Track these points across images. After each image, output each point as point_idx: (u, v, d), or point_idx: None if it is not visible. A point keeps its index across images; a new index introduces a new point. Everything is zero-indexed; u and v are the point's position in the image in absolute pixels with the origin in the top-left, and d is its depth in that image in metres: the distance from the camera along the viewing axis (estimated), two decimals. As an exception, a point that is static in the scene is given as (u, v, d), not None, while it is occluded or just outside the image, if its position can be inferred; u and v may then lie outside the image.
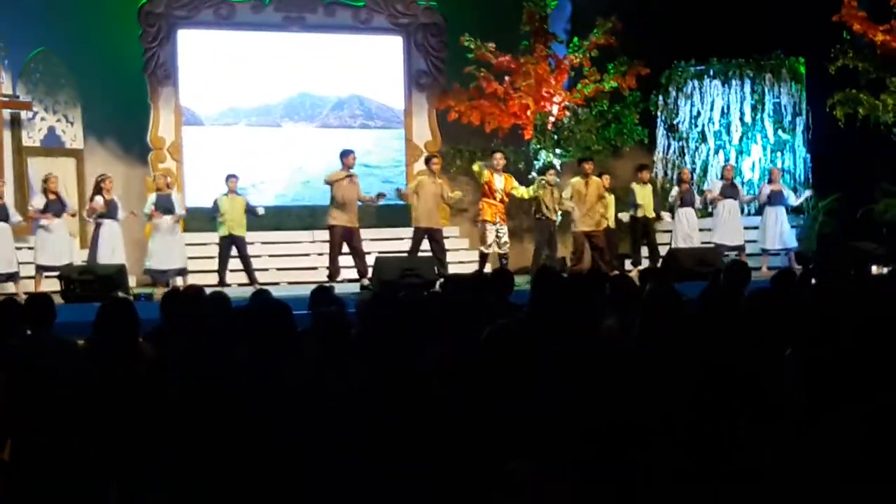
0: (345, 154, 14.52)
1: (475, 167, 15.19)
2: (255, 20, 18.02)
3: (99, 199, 14.16)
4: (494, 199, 14.78)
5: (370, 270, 14.14)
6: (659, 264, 15.08)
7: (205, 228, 15.74)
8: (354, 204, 14.40)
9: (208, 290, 7.25)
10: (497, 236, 14.71)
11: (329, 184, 14.41)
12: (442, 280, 12.94)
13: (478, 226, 15.17)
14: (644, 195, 15.96)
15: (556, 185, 15.18)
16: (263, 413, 4.43)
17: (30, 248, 14.33)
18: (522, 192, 15.06)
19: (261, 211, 15.03)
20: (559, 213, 15.31)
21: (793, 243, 16.36)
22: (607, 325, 6.19)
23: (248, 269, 14.87)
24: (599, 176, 15.76)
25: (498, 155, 15.25)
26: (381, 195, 14.99)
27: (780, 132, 18.20)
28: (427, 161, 15.34)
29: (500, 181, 14.85)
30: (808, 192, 17.23)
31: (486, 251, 14.75)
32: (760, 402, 4.02)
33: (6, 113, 15.93)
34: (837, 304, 5.35)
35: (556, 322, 5.06)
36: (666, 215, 16.13)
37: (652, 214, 15.98)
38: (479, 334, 4.64)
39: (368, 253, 14.92)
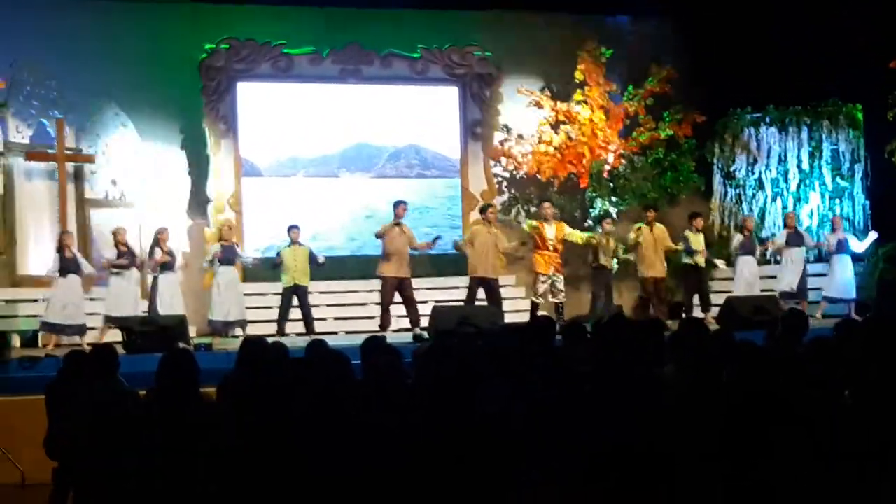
0: (396, 205, 14.44)
1: (526, 227, 15.03)
2: (312, 73, 18.27)
3: (159, 252, 14.25)
4: (547, 249, 14.62)
5: (423, 319, 13.97)
6: (712, 313, 14.96)
7: (264, 278, 15.72)
8: (405, 254, 14.26)
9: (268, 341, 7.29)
10: (552, 286, 14.61)
11: (380, 237, 14.31)
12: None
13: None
14: (697, 242, 15.72)
15: (612, 234, 15.12)
16: (320, 461, 4.48)
17: (91, 300, 14.51)
18: (577, 236, 14.99)
19: (321, 260, 14.86)
20: (615, 261, 15.20)
21: (851, 294, 16.08)
22: (667, 371, 6.21)
23: (307, 318, 14.82)
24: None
25: (546, 204, 15.16)
26: (436, 239, 14.70)
27: (838, 179, 17.99)
28: (482, 210, 15.22)
29: (550, 230, 14.67)
30: (873, 234, 16.83)
31: (536, 301, 14.70)
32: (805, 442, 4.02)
33: (70, 166, 16.22)
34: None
35: (618, 371, 5.09)
36: (720, 263, 15.91)
37: (703, 263, 15.73)
38: (529, 381, 4.67)
39: (424, 302, 14.88)
